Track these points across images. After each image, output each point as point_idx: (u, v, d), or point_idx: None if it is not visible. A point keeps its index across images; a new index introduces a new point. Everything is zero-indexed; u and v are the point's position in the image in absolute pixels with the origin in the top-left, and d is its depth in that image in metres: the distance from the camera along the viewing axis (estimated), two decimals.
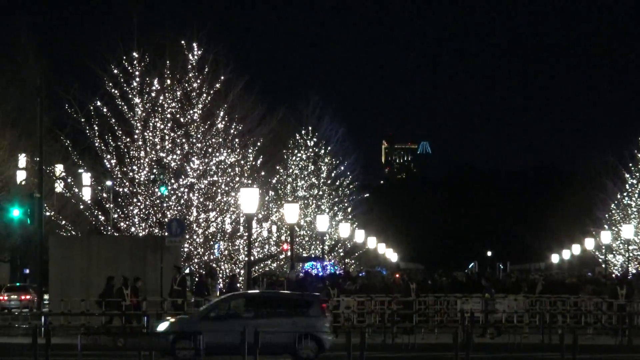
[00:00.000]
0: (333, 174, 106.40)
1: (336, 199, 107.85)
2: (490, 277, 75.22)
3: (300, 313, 44.88)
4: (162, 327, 45.13)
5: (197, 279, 66.21)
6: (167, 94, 68.64)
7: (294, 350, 42.72)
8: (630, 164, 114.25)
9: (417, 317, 58.83)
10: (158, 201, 68.94)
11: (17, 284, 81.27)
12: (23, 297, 76.75)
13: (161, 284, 55.94)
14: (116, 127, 68.17)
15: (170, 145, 68.91)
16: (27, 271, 73.27)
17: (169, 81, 68.59)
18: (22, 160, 74.27)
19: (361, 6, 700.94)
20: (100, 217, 69.85)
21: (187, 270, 64.28)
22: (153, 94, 68.52)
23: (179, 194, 69.29)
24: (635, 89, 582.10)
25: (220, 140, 70.86)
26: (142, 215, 68.60)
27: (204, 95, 69.52)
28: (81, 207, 71.85)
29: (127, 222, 68.61)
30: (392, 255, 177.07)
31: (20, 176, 74.50)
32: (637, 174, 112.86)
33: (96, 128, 67.91)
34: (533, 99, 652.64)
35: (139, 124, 68.47)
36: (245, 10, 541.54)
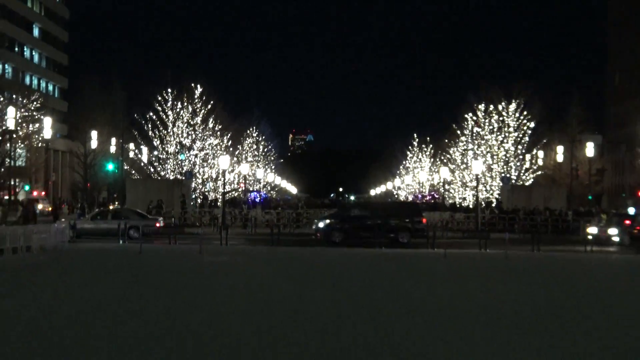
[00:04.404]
0: (265, 150, 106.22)
1: (267, 162, 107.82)
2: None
3: None
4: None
5: (200, 201, 66.42)
6: (184, 110, 68.30)
7: None
8: (409, 146, 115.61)
9: (305, 220, 59.57)
10: (179, 162, 68.82)
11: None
12: None
13: (180, 203, 56.04)
14: (160, 126, 67.90)
15: (185, 134, 68.66)
16: (115, 195, 72.81)
17: (185, 104, 68.34)
18: (113, 141, 73.70)
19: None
20: (151, 169, 69.54)
21: (193, 197, 64.15)
22: (177, 110, 68.20)
23: (190, 159, 69.13)
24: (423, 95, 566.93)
25: (210, 132, 70.76)
26: (171, 169, 68.40)
27: (203, 110, 69.31)
28: (142, 164, 71.46)
29: (164, 172, 68.32)
30: (294, 189, 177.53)
31: (112, 149, 73.98)
32: (413, 151, 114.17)
33: (150, 126, 67.63)
34: (373, 95, 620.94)
35: (170, 125, 68.20)
36: (221, 59, 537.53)
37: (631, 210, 49.88)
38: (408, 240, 39.66)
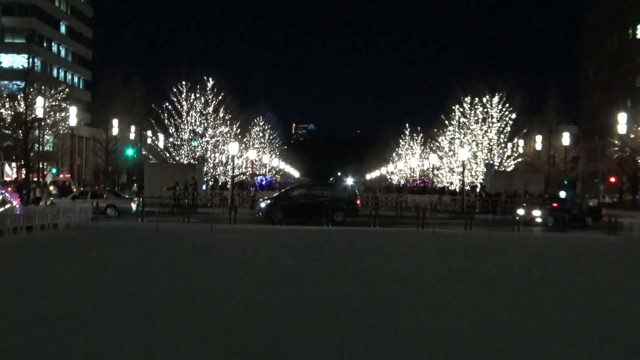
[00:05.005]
0: (270, 137, 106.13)
1: (272, 149, 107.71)
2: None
3: None
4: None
5: (211, 184, 66.22)
6: (197, 101, 68.17)
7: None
8: (402, 135, 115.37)
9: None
10: (193, 148, 68.66)
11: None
12: None
13: (192, 186, 55.78)
14: (175, 115, 67.72)
15: (198, 123, 68.53)
16: (135, 178, 72.64)
17: (199, 95, 68.14)
18: (132, 128, 73.44)
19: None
20: (166, 154, 69.43)
21: (205, 179, 64.02)
22: (191, 100, 68.04)
23: (202, 145, 68.99)
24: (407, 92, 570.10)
25: (221, 121, 70.58)
26: (185, 154, 68.27)
27: (214, 101, 69.13)
28: (158, 150, 71.31)
29: (178, 157, 68.21)
30: (296, 174, 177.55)
31: (131, 136, 73.73)
32: (405, 140, 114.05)
33: (166, 115, 67.46)
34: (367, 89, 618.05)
35: (184, 114, 68.02)
36: (232, 55, 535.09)
37: (562, 194, 49.34)
38: (343, 220, 38.79)
